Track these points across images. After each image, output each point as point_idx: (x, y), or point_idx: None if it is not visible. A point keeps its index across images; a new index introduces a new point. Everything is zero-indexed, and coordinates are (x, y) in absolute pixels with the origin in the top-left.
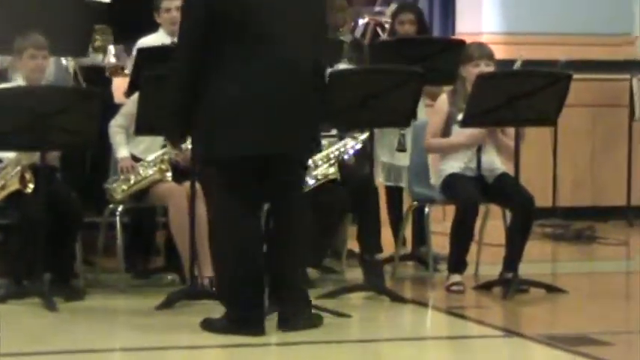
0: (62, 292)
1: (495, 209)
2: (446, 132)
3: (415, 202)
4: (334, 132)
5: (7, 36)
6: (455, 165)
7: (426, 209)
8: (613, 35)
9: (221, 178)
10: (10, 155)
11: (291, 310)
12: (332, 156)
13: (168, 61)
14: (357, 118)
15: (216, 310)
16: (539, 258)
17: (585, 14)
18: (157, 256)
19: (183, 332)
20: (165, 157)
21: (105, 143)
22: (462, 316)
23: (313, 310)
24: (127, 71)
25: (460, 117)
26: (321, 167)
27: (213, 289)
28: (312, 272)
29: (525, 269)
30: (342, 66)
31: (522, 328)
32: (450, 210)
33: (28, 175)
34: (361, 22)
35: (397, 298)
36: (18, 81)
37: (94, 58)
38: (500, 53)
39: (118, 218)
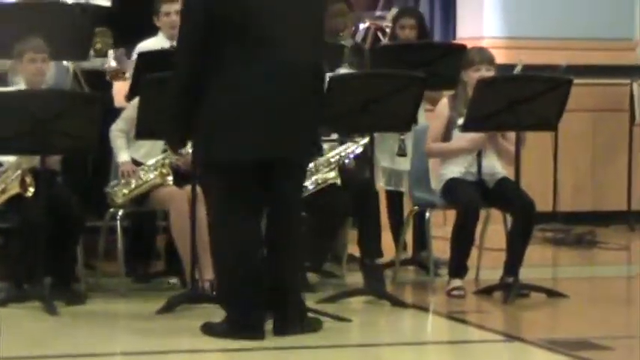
0: (63, 296)
1: (496, 214)
2: (447, 136)
3: (416, 207)
4: (335, 136)
5: (7, 40)
6: (455, 169)
7: (427, 214)
8: (614, 40)
9: (221, 181)
10: (10, 159)
11: (285, 315)
12: (332, 160)
13: (169, 65)
14: (357, 122)
15: (216, 314)
16: (539, 263)
17: (586, 19)
18: (158, 260)
19: (183, 336)
20: (166, 161)
21: (106, 147)
22: (463, 321)
23: (313, 315)
24: (127, 75)
25: (461, 122)
26: (321, 171)
27: (214, 292)
28: (312, 276)
29: (526, 274)
30: (343, 70)
31: (523, 332)
32: (451, 215)
33: (28, 179)
34: (362, 26)
35: (398, 303)
36: (18, 85)
37: (94, 62)
38: (501, 58)
39: (118, 222)
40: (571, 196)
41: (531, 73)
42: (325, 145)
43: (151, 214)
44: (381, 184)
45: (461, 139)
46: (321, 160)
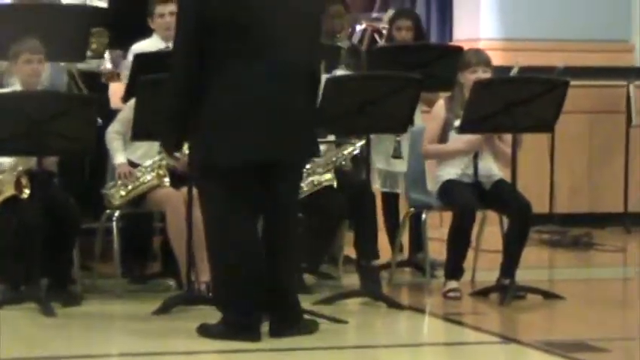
0: (59, 297)
1: (492, 215)
2: (443, 138)
3: (412, 209)
4: (331, 138)
5: (3, 41)
6: (452, 171)
7: (423, 215)
8: (611, 42)
9: (222, 182)
10: (6, 160)
11: (282, 317)
12: (329, 162)
13: (165, 66)
14: (354, 124)
15: (212, 315)
16: (536, 264)
17: (583, 21)
18: (154, 262)
19: (179, 337)
20: (163, 162)
21: (102, 149)
22: (459, 323)
23: (309, 316)
24: (123, 76)
25: (457, 123)
26: (317, 173)
27: (210, 294)
28: (308, 278)
29: (522, 275)
30: (340, 72)
31: (519, 334)
32: (447, 216)
33: (24, 181)
34: (359, 28)
35: (394, 305)
36: (14, 86)
37: (90, 64)
38: (497, 59)
39: (114, 224)
40: (567, 197)
41: (528, 74)
42: (322, 147)
43: (147, 215)
44: (376, 186)
45: (457, 140)
46: (317, 161)
